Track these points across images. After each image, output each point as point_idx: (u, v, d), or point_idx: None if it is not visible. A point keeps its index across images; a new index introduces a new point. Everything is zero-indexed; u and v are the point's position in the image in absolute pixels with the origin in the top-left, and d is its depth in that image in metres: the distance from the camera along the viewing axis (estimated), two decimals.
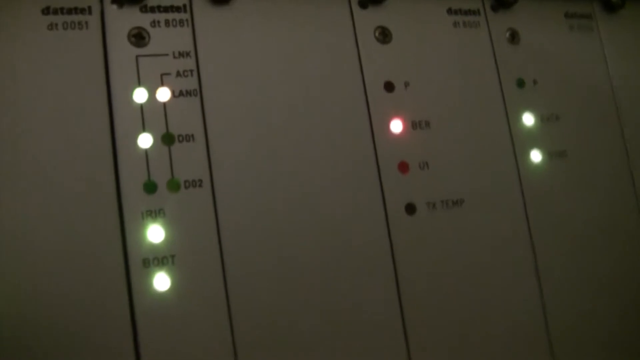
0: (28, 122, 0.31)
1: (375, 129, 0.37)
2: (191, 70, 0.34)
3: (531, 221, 0.39)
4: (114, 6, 0.34)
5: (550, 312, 0.39)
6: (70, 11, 0.33)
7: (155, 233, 0.32)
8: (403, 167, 0.37)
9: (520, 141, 0.40)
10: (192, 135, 0.34)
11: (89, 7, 0.33)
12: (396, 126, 0.37)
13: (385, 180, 0.37)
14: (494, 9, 0.42)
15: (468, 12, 0.41)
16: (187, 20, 0.35)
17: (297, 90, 0.36)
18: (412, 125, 0.38)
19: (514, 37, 0.42)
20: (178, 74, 0.34)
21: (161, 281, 0.32)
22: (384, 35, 0.38)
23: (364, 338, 0.35)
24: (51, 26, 0.32)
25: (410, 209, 0.37)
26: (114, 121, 0.33)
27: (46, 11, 0.33)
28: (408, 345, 0.35)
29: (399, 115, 0.38)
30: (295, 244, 0.34)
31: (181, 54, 0.34)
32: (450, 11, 0.41)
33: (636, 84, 0.45)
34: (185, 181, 0.33)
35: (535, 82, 0.42)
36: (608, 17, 0.45)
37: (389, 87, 0.38)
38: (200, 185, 0.33)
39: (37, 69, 0.32)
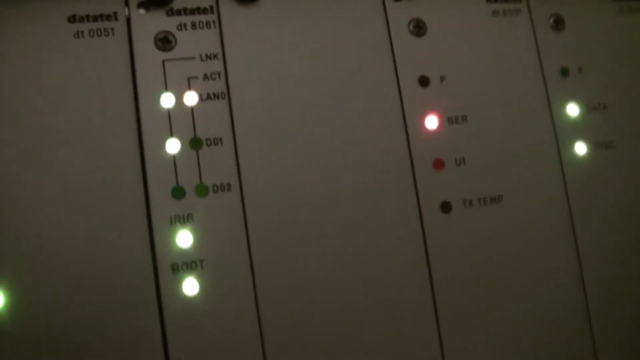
0: (56, 129, 0.32)
1: (409, 126, 0.36)
2: (218, 73, 0.34)
3: (575, 218, 0.38)
4: (140, 10, 0.34)
5: (595, 317, 0.37)
6: (96, 18, 0.33)
7: (183, 238, 0.32)
8: (438, 164, 0.36)
9: (564, 133, 0.38)
10: (220, 139, 0.34)
11: (115, 13, 0.33)
12: (431, 122, 0.36)
13: (419, 178, 0.36)
14: None
15: (508, 0, 0.39)
16: (214, 22, 0.35)
17: (328, 88, 0.35)
18: (448, 120, 0.37)
19: (558, 23, 0.40)
20: (205, 77, 0.34)
21: (190, 286, 0.32)
22: (419, 28, 0.37)
23: (397, 342, 0.34)
24: (77, 34, 0.33)
25: (446, 207, 0.36)
26: (142, 127, 0.33)
27: (72, 19, 0.33)
28: (442, 350, 0.34)
29: (434, 111, 0.36)
30: (326, 247, 0.34)
31: (208, 57, 0.34)
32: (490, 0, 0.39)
33: None
34: (214, 185, 0.33)
35: (580, 70, 0.40)
36: None
37: (423, 81, 0.37)
38: (228, 189, 0.33)
39: (65, 78, 0.32)
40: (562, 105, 0.39)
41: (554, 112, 0.39)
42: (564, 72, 0.39)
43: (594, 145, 0.39)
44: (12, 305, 0.30)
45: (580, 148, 0.39)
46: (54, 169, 0.31)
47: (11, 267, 0.30)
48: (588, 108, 0.39)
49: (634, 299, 0.38)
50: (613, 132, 0.40)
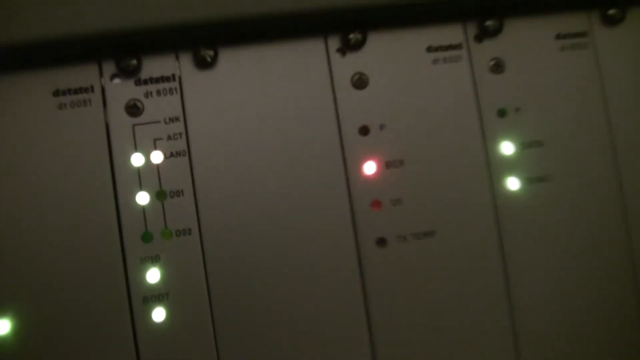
0: (47, 189, 0.39)
1: (349, 171, 0.41)
2: (180, 133, 0.40)
3: (506, 249, 0.42)
4: (114, 81, 0.40)
5: (523, 346, 0.42)
6: (76, 91, 0.39)
7: (152, 275, 0.39)
8: (375, 204, 0.41)
9: (498, 170, 0.43)
10: (182, 191, 0.40)
11: (92, 86, 0.39)
12: (369, 167, 0.41)
13: (357, 217, 0.41)
14: (479, 39, 0.43)
15: (449, 48, 0.43)
16: (176, 88, 0.40)
17: (277, 141, 0.41)
18: (386, 165, 0.42)
19: (498, 66, 0.43)
20: (169, 137, 0.40)
21: (158, 314, 0.39)
22: (361, 81, 0.42)
23: None
24: (61, 106, 0.39)
25: (381, 242, 0.41)
26: (116, 183, 0.39)
27: (56, 93, 0.39)
28: None
29: (372, 157, 0.41)
30: (274, 278, 0.40)
31: (171, 120, 0.40)
32: (430, 49, 0.43)
33: (634, 102, 0.45)
34: (177, 230, 0.40)
35: (517, 109, 0.43)
36: (607, 32, 0.45)
37: (364, 131, 0.42)
38: (189, 234, 0.40)
39: (51, 144, 0.39)
40: (497, 144, 0.43)
41: (488, 151, 0.43)
42: (502, 113, 0.43)
43: (527, 180, 0.43)
44: (16, 330, 0.38)
45: (513, 183, 0.43)
46: (47, 217, 0.38)
47: (15, 300, 0.38)
48: (523, 145, 0.43)
49: (564, 332, 0.43)
50: (548, 167, 0.43)
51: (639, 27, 0.45)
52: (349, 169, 0.41)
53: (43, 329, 0.38)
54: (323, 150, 0.41)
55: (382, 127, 0.42)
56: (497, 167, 0.43)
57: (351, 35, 0.41)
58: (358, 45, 0.42)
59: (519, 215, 0.43)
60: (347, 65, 0.42)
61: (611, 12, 0.45)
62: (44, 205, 0.39)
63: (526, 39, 0.44)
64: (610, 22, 0.45)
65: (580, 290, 0.43)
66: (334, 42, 0.42)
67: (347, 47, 0.42)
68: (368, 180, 0.41)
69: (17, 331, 0.38)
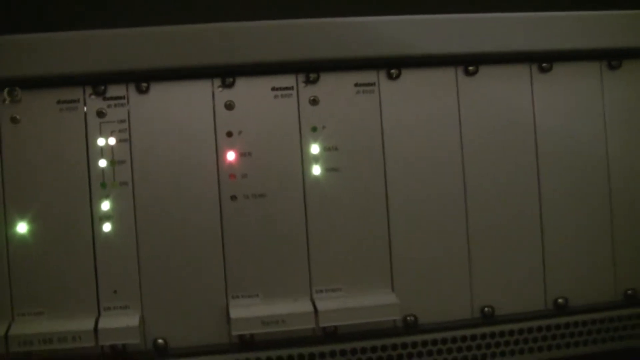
0: (51, 155, 0.71)
1: (219, 157, 0.72)
2: (125, 129, 0.71)
3: (308, 210, 0.73)
4: (91, 97, 0.72)
5: (316, 292, 0.74)
6: (69, 102, 0.71)
7: (105, 206, 0.72)
8: (232, 176, 0.72)
9: (308, 162, 0.73)
10: (124, 161, 0.72)
11: (78, 99, 0.71)
12: (231, 156, 0.72)
13: (221, 183, 0.72)
14: (305, 84, 0.73)
15: (285, 89, 0.73)
16: (125, 103, 0.72)
17: (180, 135, 0.72)
18: (240, 155, 0.72)
19: (314, 101, 0.73)
20: (119, 130, 0.71)
21: (107, 227, 0.72)
22: (230, 106, 0.72)
23: (188, 277, 0.73)
24: (61, 110, 0.71)
25: (234, 198, 0.73)
26: (89, 154, 0.71)
27: (59, 102, 0.71)
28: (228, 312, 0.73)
29: (233, 150, 0.72)
30: (173, 214, 0.72)
31: (122, 121, 0.71)
32: (273, 88, 0.73)
33: (400, 130, 0.74)
34: (120, 182, 0.71)
35: (324, 127, 0.73)
36: (389, 83, 0.74)
37: (229, 134, 0.72)
38: (127, 185, 0.72)
39: (56, 131, 0.71)
40: (309, 147, 0.73)
41: (303, 150, 0.73)
42: (314, 129, 0.73)
43: (325, 169, 0.73)
44: (29, 232, 0.71)
45: (317, 170, 0.73)
46: (52, 169, 0.71)
47: (29, 213, 0.71)
48: (325, 149, 0.73)
49: (350, 272, 0.74)
50: (339, 162, 0.73)
51: (411, 81, 0.75)
52: (219, 156, 0.72)
53: (45, 231, 0.71)
54: (206, 145, 0.72)
55: (240, 132, 0.72)
56: (307, 160, 0.73)
57: (226, 79, 0.72)
58: (230, 85, 0.72)
59: (319, 191, 0.73)
60: (223, 96, 0.73)
61: (392, 71, 0.74)
62: (50, 163, 0.71)
63: (334, 85, 0.74)
64: (391, 77, 0.74)
65: (357, 245, 0.74)
66: (217, 82, 0.73)
67: (224, 86, 0.73)
68: (229, 163, 0.73)
69: (29, 233, 0.71)
